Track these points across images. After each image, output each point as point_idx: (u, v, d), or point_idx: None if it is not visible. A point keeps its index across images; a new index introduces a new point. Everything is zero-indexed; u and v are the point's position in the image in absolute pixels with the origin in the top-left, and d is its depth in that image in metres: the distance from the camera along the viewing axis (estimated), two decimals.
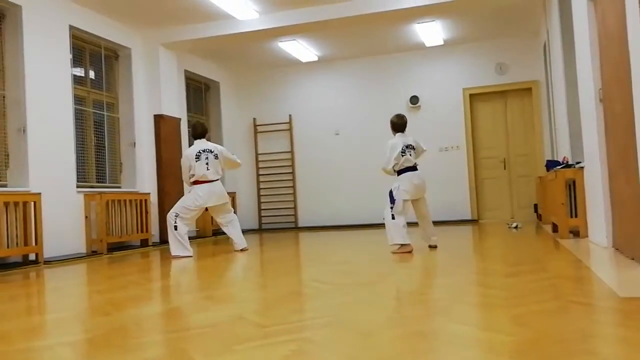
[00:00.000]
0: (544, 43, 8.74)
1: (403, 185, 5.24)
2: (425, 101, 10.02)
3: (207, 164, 6.14)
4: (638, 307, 2.43)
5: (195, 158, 6.16)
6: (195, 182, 6.18)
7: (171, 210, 6.18)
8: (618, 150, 4.00)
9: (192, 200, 6.15)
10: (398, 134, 5.42)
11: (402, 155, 5.28)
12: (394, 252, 5.17)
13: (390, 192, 5.26)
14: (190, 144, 6.61)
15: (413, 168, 5.32)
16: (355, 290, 3.29)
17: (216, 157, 6.20)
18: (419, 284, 3.69)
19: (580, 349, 1.85)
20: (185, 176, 6.31)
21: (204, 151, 6.18)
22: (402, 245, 5.16)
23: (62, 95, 6.73)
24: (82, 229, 6.86)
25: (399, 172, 5.34)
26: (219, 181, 6.25)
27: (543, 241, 5.73)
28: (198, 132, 6.32)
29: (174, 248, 6.05)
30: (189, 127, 9.57)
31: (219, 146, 6.39)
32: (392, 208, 5.21)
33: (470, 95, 9.93)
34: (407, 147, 5.31)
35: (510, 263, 4.11)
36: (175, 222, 6.09)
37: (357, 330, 2.26)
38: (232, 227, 6.42)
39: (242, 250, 6.36)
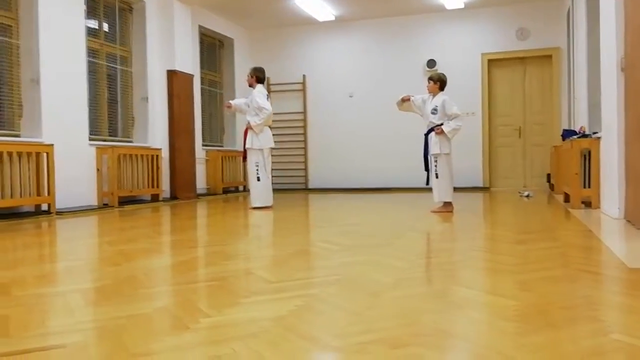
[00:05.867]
0: (567, 9, 8.49)
1: None
2: (443, 65, 9.83)
3: None
4: None
5: None
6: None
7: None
8: (637, 121, 3.92)
9: None
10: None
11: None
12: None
13: None
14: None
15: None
16: (363, 252, 3.30)
17: None
18: (427, 247, 3.70)
19: (584, 315, 1.85)
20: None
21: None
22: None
23: (75, 47, 6.69)
24: (94, 182, 6.92)
25: None
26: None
27: (554, 210, 5.70)
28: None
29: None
30: (202, 84, 9.53)
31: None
32: None
33: (489, 60, 9.73)
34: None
35: (519, 231, 4.10)
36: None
37: (363, 289, 2.27)
38: None
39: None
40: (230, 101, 6.89)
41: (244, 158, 6.51)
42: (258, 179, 6.32)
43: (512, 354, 1.48)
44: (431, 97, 5.66)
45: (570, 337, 1.60)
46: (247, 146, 6.38)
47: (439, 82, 5.62)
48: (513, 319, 1.79)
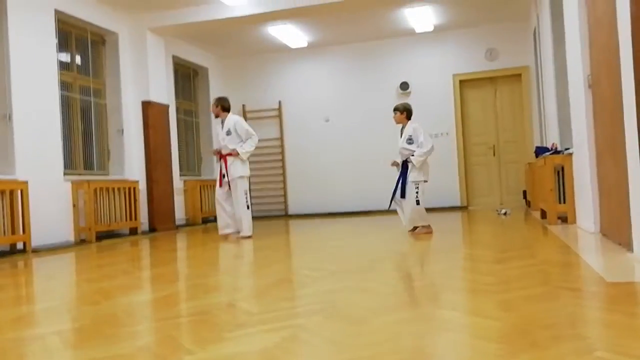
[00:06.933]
0: (534, 28, 8.74)
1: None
2: (416, 87, 10.00)
3: None
4: (625, 291, 2.46)
5: None
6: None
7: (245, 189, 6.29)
8: (606, 136, 4.03)
9: None
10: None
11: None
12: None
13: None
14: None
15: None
16: (346, 277, 3.29)
17: None
18: (408, 270, 3.70)
19: (567, 333, 1.87)
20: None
21: None
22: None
23: (47, 81, 6.64)
24: (70, 217, 6.80)
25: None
26: None
27: (532, 227, 5.77)
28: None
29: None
30: (177, 114, 9.51)
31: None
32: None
33: (460, 81, 9.92)
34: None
35: (498, 249, 4.14)
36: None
37: (348, 317, 2.26)
38: None
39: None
40: (215, 147, 6.76)
41: (221, 184, 6.34)
42: (248, 207, 6.24)
43: None
44: (401, 127, 5.75)
45: (554, 356, 1.61)
46: (239, 174, 6.24)
47: (405, 112, 5.72)
48: (496, 340, 1.79)
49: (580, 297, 2.43)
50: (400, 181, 5.64)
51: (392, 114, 5.80)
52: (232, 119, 6.37)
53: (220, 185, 6.30)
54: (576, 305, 2.29)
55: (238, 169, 6.22)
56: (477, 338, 1.86)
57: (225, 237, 6.29)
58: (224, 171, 6.26)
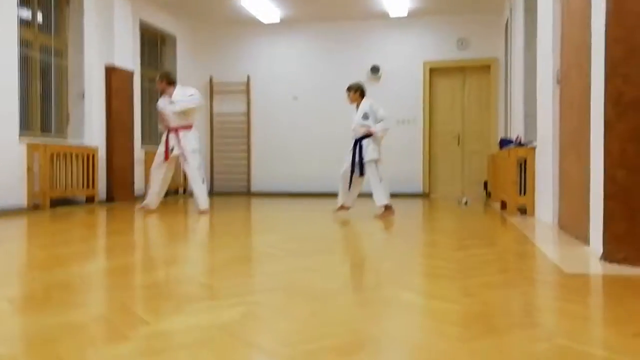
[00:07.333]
0: (506, 20, 8.82)
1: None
2: (386, 72, 9.99)
3: None
4: (581, 282, 2.52)
5: None
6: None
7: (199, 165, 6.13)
8: (571, 132, 4.10)
9: None
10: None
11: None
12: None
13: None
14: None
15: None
16: (307, 257, 3.27)
17: None
18: (370, 253, 3.71)
19: (524, 321, 1.90)
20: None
21: None
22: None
23: (6, 37, 6.32)
24: (24, 182, 6.55)
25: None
26: None
27: (492, 217, 5.87)
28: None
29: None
30: (142, 81, 9.24)
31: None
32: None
33: (431, 69, 9.96)
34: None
35: (459, 237, 4.19)
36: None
37: (307, 296, 2.24)
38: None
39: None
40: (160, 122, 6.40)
41: (167, 158, 6.12)
42: (203, 182, 6.12)
43: (457, 359, 1.49)
44: (355, 106, 5.78)
45: (511, 342, 1.63)
46: (193, 148, 6.06)
47: (359, 90, 5.77)
48: (456, 324, 1.80)
49: (538, 287, 2.48)
50: (356, 160, 5.67)
51: (346, 94, 5.83)
52: (180, 91, 6.14)
53: (167, 159, 6.07)
54: (534, 294, 2.33)
55: (192, 143, 6.04)
56: (438, 322, 1.86)
57: (147, 210, 6.12)
58: (171, 144, 6.05)
